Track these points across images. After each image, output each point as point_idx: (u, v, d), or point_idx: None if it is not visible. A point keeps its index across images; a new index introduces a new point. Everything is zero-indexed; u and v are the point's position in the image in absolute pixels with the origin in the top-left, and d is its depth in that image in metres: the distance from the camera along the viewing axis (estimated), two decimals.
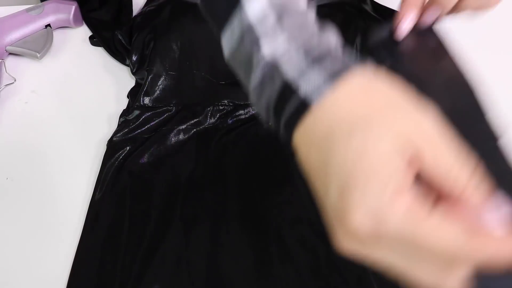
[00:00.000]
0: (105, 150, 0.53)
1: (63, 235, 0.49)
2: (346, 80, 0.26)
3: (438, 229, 0.23)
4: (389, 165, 0.23)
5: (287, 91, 0.28)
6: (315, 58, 0.28)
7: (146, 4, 0.64)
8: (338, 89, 0.26)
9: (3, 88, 0.59)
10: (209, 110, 0.55)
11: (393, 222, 0.23)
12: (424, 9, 0.39)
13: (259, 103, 0.30)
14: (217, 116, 0.55)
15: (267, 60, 0.29)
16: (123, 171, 0.51)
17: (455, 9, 0.38)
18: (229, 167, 0.52)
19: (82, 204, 0.51)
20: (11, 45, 0.61)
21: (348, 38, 0.58)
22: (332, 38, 0.31)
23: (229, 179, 0.51)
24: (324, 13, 0.60)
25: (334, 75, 0.27)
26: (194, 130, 0.54)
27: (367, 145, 0.24)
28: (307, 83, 0.27)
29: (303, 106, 0.27)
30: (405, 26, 0.38)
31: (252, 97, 0.31)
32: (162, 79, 0.56)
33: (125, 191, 0.50)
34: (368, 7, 0.61)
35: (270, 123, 0.31)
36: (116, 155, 0.52)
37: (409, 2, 0.38)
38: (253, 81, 0.30)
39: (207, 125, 0.55)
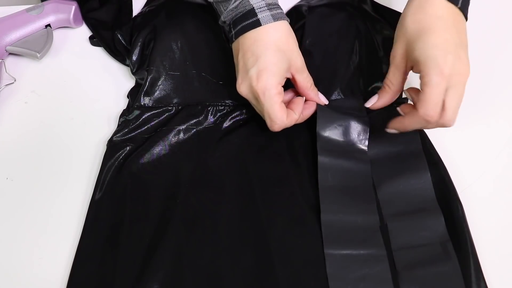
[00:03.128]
0: (105, 150, 0.53)
1: (63, 235, 0.49)
2: (280, 23, 0.49)
3: (277, 112, 0.48)
4: (277, 72, 0.48)
5: (251, 13, 0.49)
6: (268, 4, 0.50)
7: (146, 4, 0.64)
8: (274, 25, 0.49)
9: (3, 88, 0.59)
10: (209, 110, 0.55)
11: (266, 97, 0.48)
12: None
13: (227, 17, 0.51)
14: (217, 116, 0.55)
15: None
16: (123, 171, 0.51)
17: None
18: (228, 167, 0.52)
19: (82, 204, 0.51)
20: (11, 45, 0.61)
21: (348, 38, 0.58)
22: None
23: (228, 179, 0.51)
24: (324, 13, 0.60)
25: (276, 18, 0.49)
26: (194, 130, 0.54)
27: (273, 60, 0.48)
28: (263, 14, 0.49)
29: (255, 24, 0.49)
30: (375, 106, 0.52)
31: (225, 14, 0.51)
32: (162, 79, 0.56)
33: (125, 191, 0.50)
34: (368, 7, 0.61)
35: (226, 28, 0.53)
36: (116, 155, 0.52)
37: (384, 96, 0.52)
38: (230, 6, 0.50)
39: (207, 125, 0.55)
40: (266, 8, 0.49)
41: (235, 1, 0.50)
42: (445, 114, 0.45)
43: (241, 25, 0.49)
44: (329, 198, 0.48)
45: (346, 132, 0.52)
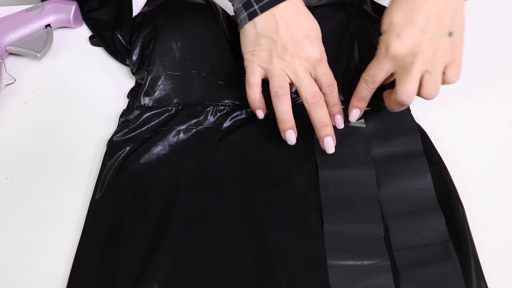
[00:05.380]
0: (105, 150, 0.53)
1: (63, 235, 0.49)
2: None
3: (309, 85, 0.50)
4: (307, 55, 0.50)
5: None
6: None
7: (146, 4, 0.64)
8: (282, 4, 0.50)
9: (3, 88, 0.59)
10: (209, 110, 0.55)
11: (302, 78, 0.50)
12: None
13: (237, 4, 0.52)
14: (217, 116, 0.55)
15: None
16: (123, 171, 0.51)
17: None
18: (228, 167, 0.51)
19: (82, 204, 0.51)
20: (11, 45, 0.61)
21: (348, 38, 0.58)
22: None
23: (228, 179, 0.51)
24: (324, 13, 0.60)
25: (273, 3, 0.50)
26: (194, 130, 0.54)
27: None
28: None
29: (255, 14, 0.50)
30: (353, 117, 0.54)
31: (237, 4, 0.52)
32: (162, 79, 0.56)
33: (125, 191, 0.50)
34: (368, 7, 0.61)
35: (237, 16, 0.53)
36: (116, 155, 0.52)
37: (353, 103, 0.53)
38: None
39: (207, 125, 0.55)
40: None
41: None
42: (395, 90, 0.48)
43: (252, 10, 0.50)
44: (331, 209, 0.48)
45: (346, 146, 0.52)
